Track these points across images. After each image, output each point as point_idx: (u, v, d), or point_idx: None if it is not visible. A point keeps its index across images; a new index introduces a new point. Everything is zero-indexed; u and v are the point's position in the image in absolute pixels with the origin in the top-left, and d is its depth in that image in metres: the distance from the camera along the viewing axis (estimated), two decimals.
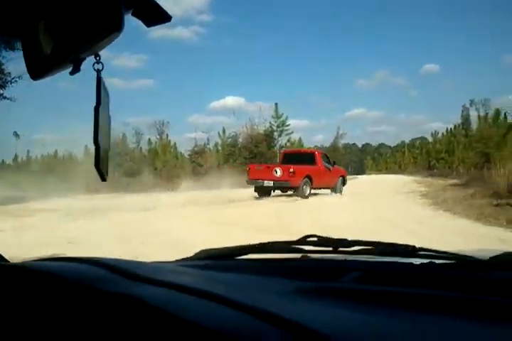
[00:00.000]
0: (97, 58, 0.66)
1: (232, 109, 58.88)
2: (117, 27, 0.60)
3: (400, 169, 48.09)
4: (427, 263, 0.94)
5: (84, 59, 0.67)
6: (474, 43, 67.30)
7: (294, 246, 1.14)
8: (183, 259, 1.21)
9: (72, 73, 0.67)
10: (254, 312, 0.53)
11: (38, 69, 0.74)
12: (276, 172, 13.39)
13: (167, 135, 33.45)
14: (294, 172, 13.15)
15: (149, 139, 33.09)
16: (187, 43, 78.06)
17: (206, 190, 16.70)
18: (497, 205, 9.41)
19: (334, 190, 15.04)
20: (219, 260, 1.18)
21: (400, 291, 0.73)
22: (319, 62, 69.66)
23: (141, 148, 33.04)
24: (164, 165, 28.62)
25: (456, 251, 1.00)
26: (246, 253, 1.17)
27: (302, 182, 13.32)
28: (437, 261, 0.95)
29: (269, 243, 1.17)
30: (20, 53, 0.77)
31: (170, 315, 0.61)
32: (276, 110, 33.32)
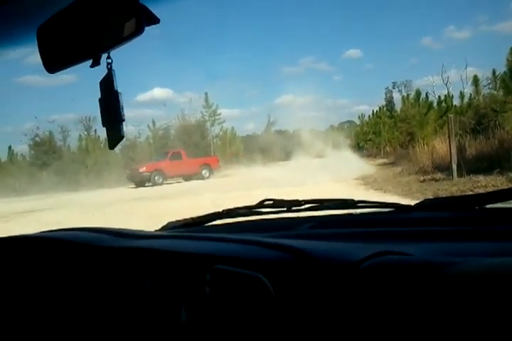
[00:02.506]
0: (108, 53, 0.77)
1: (160, 101, 57.88)
2: (140, 30, 0.70)
3: None
4: (363, 212, 1.18)
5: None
6: (393, 27, 69.87)
7: (253, 209, 1.26)
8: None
9: (92, 66, 0.77)
10: (254, 243, 0.74)
11: (54, 63, 0.83)
12: None
13: (95, 131, 32.29)
14: None
15: (80, 135, 31.67)
16: None
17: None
18: (423, 181, 9.91)
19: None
20: (190, 227, 1.26)
21: (346, 231, 0.96)
22: (244, 50, 69.77)
23: (69, 145, 31.72)
24: (95, 161, 27.54)
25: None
26: (213, 220, 1.28)
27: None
28: (373, 210, 1.17)
29: (231, 209, 1.28)
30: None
31: (177, 253, 0.78)
32: (206, 100, 32.95)
